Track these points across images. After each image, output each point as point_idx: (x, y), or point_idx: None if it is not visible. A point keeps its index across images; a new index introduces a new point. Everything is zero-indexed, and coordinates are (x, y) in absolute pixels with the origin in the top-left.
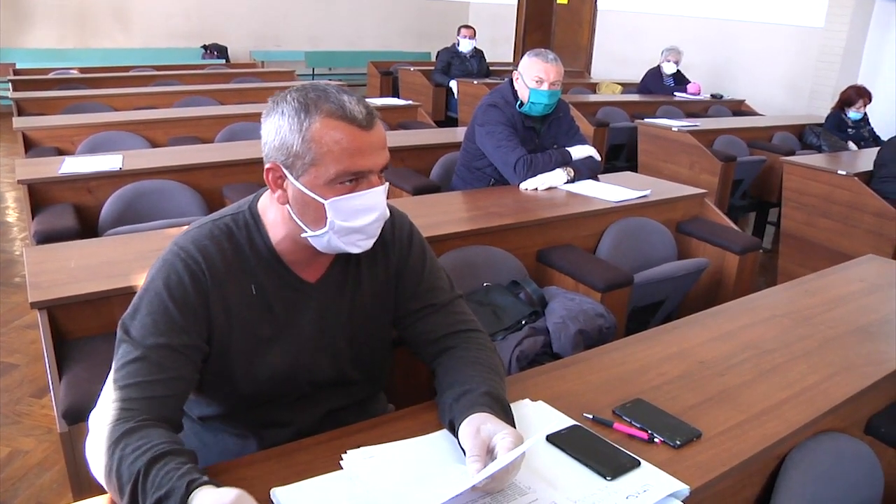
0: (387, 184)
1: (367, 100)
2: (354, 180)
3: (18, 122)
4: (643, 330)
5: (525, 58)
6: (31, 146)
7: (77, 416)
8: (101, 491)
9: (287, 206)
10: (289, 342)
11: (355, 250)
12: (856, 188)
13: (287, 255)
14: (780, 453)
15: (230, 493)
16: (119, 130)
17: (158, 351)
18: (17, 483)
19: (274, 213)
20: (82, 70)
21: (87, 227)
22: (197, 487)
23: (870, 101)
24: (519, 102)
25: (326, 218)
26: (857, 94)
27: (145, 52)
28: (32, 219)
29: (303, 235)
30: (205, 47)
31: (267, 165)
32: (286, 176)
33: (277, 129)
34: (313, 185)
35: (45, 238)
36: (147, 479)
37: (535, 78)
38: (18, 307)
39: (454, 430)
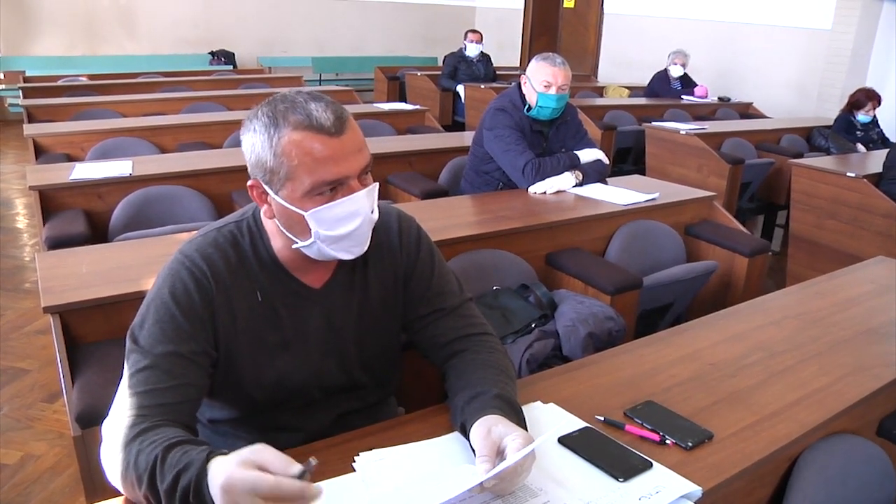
0: (374, 184)
1: (374, 104)
2: (333, 188)
3: (29, 129)
4: (652, 333)
5: (533, 62)
6: (41, 153)
7: (90, 419)
8: (114, 494)
9: (275, 219)
10: (296, 348)
11: (348, 257)
12: (865, 190)
13: (289, 262)
14: (791, 455)
15: (247, 448)
16: (128, 136)
17: (167, 358)
18: (29, 487)
19: (270, 224)
20: (91, 77)
21: (98, 232)
22: (216, 456)
23: (879, 104)
24: (527, 106)
25: (310, 229)
26: (867, 98)
27: (153, 59)
28: (44, 225)
29: (294, 247)
30: (212, 54)
31: (249, 182)
32: (267, 191)
33: (252, 147)
34: (292, 199)
35: (56, 244)
36: (164, 463)
37: (543, 82)
38: (29, 312)
39: (466, 433)
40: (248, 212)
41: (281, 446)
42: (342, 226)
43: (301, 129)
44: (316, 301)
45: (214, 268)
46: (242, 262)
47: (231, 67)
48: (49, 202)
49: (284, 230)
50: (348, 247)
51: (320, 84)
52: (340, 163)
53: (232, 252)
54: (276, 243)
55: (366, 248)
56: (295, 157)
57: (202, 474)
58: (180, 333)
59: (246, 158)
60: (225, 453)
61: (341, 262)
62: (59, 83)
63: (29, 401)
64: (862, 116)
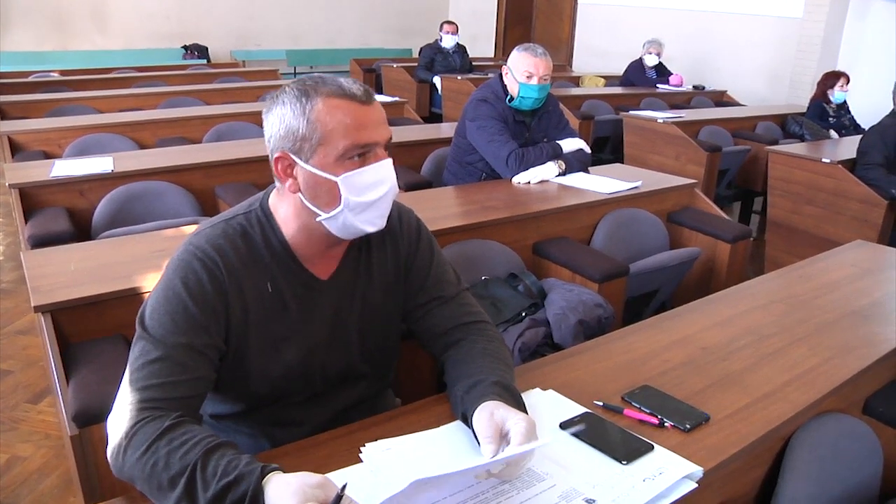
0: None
1: None
2: (362, 155)
3: (3, 126)
4: (638, 320)
5: (514, 53)
6: (16, 150)
7: (87, 418)
8: (112, 494)
9: (299, 193)
10: (303, 339)
11: (371, 229)
12: (840, 175)
13: (300, 250)
14: (785, 434)
15: (313, 476)
16: (106, 132)
17: (180, 350)
18: (17, 489)
19: (285, 208)
20: (63, 73)
21: (80, 229)
22: (271, 472)
23: (848, 81)
24: (509, 97)
25: (340, 196)
26: (836, 76)
27: (125, 54)
28: (25, 223)
29: (317, 220)
30: (185, 48)
31: (275, 155)
32: (295, 162)
33: (281, 118)
34: (323, 165)
35: (39, 242)
36: (206, 469)
37: (524, 72)
38: (9, 313)
39: (467, 421)
40: (254, 203)
41: (283, 442)
42: (371, 191)
43: (335, 96)
44: (323, 292)
45: (226, 259)
46: (253, 253)
47: (205, 61)
48: (29, 200)
49: (310, 203)
50: (372, 218)
51: (295, 77)
52: (372, 129)
53: (242, 243)
54: (289, 229)
55: (385, 221)
56: (329, 122)
57: (258, 492)
58: (193, 325)
59: (270, 134)
60: (275, 469)
61: (347, 252)
62: (31, 79)
63: (13, 402)
64: (839, 93)
